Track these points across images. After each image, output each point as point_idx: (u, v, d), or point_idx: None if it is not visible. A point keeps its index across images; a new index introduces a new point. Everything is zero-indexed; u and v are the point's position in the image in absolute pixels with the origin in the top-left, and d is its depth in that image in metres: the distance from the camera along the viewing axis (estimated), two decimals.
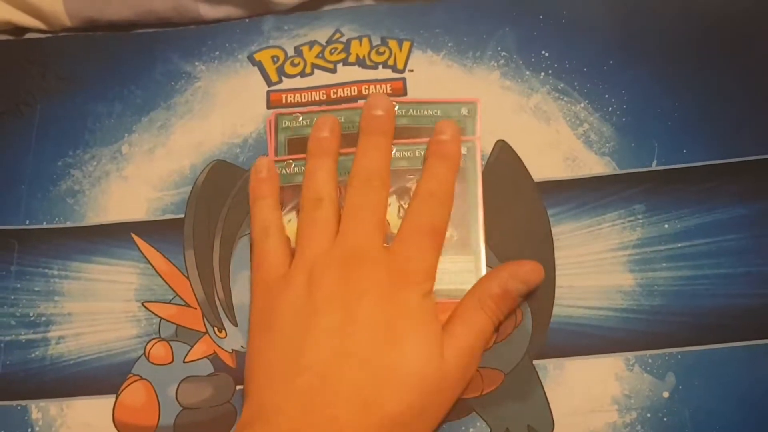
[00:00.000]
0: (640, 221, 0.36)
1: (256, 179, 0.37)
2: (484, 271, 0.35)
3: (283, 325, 0.31)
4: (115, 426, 0.34)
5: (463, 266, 0.35)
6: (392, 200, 0.37)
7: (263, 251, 0.35)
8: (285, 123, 0.40)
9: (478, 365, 0.33)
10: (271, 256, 0.34)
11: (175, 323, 0.36)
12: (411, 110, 0.39)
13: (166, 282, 0.37)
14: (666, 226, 0.36)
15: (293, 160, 0.38)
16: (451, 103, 0.40)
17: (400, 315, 0.31)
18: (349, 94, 0.41)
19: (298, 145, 0.39)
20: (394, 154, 0.37)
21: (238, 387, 0.35)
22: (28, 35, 0.46)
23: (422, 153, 0.38)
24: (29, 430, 0.35)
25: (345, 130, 0.39)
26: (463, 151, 0.37)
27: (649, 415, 0.33)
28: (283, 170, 0.38)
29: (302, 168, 0.38)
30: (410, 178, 0.37)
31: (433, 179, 0.35)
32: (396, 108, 0.39)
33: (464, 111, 0.39)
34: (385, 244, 0.34)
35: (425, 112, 0.39)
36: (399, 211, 0.36)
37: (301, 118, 0.39)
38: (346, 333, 0.30)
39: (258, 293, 0.34)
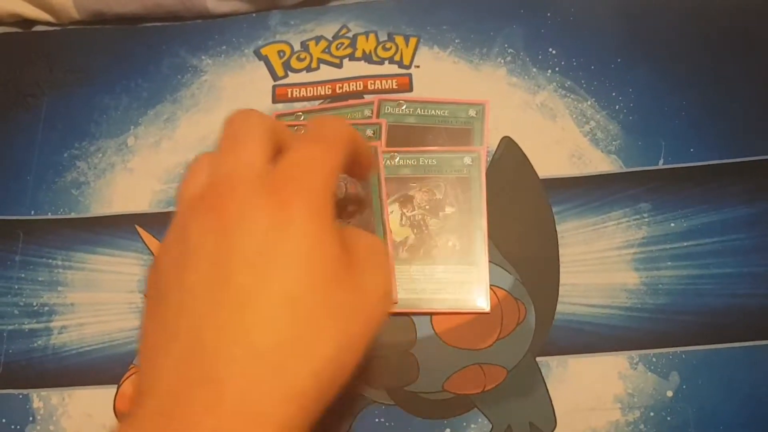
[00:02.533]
0: (646, 220, 0.36)
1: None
2: (487, 281, 0.35)
3: (157, 280, 0.26)
4: (117, 416, 0.34)
5: (466, 276, 0.35)
6: (395, 208, 0.37)
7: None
8: None
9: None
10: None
11: None
12: (418, 109, 0.39)
13: None
14: (672, 224, 0.36)
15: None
16: (459, 104, 0.39)
17: (282, 242, 0.24)
18: (355, 89, 0.41)
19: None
20: (397, 161, 0.37)
21: None
22: (37, 28, 0.46)
23: (425, 161, 0.38)
24: (30, 418, 0.35)
25: None
26: (468, 161, 0.37)
27: (652, 414, 0.32)
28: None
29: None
30: (413, 186, 0.37)
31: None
32: (404, 106, 0.39)
33: (472, 112, 0.39)
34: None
35: (433, 112, 0.39)
36: (401, 219, 0.36)
37: (303, 131, 0.39)
38: (217, 282, 0.24)
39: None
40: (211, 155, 0.27)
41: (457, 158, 0.38)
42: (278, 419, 0.22)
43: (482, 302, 0.35)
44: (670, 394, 0.33)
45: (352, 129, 0.29)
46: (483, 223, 0.36)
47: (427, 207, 0.37)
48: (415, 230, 0.36)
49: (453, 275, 0.35)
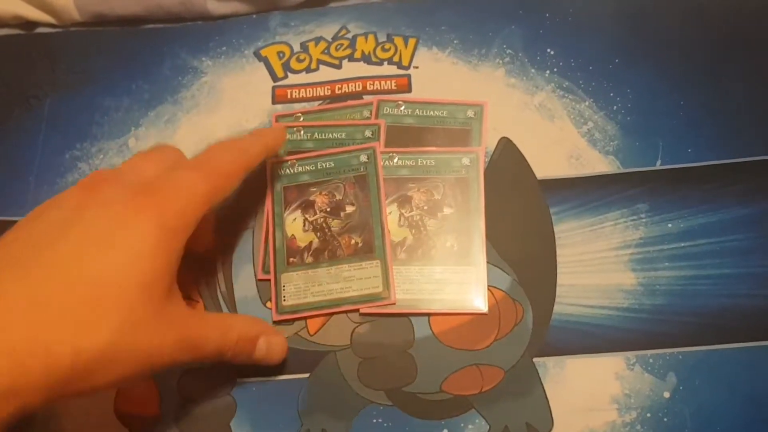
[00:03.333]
0: (643, 220, 0.36)
1: None
2: (485, 282, 0.35)
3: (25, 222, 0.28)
4: (116, 415, 0.34)
5: (464, 277, 0.35)
6: (393, 209, 0.37)
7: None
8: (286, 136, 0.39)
9: (177, 357, 0.29)
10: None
11: None
12: (417, 110, 0.39)
13: None
14: (669, 225, 0.36)
15: (297, 159, 0.38)
16: (457, 105, 0.39)
17: (118, 236, 0.27)
18: (354, 89, 0.41)
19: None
20: (396, 162, 0.38)
21: (239, 379, 0.35)
22: (38, 30, 0.46)
23: (424, 162, 0.38)
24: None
25: (344, 145, 0.39)
26: (466, 161, 0.37)
27: (649, 414, 0.32)
28: (287, 170, 0.38)
29: (306, 167, 0.38)
30: (411, 187, 0.37)
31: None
32: (402, 107, 0.39)
33: (470, 113, 0.39)
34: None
35: (431, 113, 0.39)
36: (400, 219, 0.37)
37: (303, 132, 0.39)
38: (52, 238, 0.26)
39: None
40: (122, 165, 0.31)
41: (456, 159, 0.38)
42: (29, 372, 0.23)
43: (480, 303, 0.35)
44: (667, 395, 0.33)
45: (245, 162, 0.32)
46: (481, 224, 0.36)
47: (425, 208, 0.37)
48: (413, 231, 0.36)
49: (451, 276, 0.35)
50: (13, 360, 0.23)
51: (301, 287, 0.36)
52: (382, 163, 0.37)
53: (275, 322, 0.35)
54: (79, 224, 0.26)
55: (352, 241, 0.36)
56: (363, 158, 0.38)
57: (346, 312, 0.35)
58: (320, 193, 0.37)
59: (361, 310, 0.35)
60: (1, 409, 0.23)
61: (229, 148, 0.32)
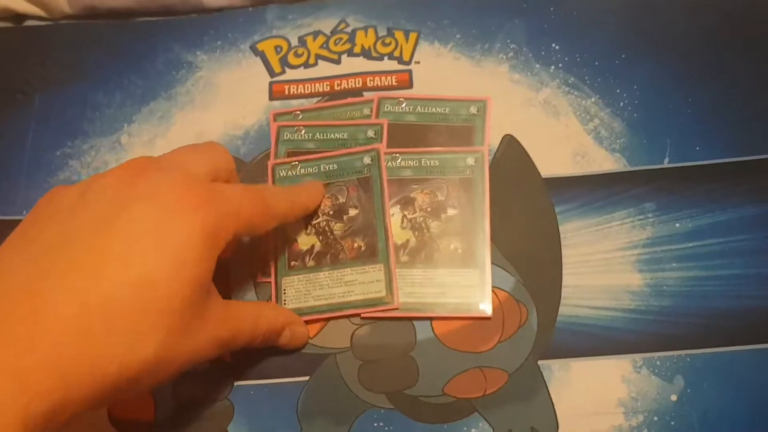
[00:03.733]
0: (651, 220, 0.36)
1: None
2: (489, 285, 0.35)
3: (46, 206, 0.27)
4: (111, 421, 0.34)
5: (468, 280, 0.35)
6: (396, 210, 0.36)
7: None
8: (286, 135, 0.39)
9: (214, 353, 0.29)
10: None
11: None
12: (419, 107, 0.39)
13: None
14: (677, 225, 0.36)
15: (299, 161, 0.38)
16: (459, 101, 0.39)
17: (166, 237, 0.26)
18: (354, 85, 0.40)
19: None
20: (399, 162, 0.37)
21: (236, 383, 0.34)
22: (28, 23, 0.45)
23: (428, 162, 0.37)
24: None
25: (346, 146, 0.38)
26: (471, 161, 0.37)
27: (656, 418, 0.32)
28: (289, 172, 0.37)
29: (309, 169, 0.37)
30: (414, 188, 0.37)
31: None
32: (404, 104, 0.39)
33: (473, 109, 0.38)
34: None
35: (433, 110, 0.39)
36: (402, 221, 0.36)
37: (303, 131, 0.39)
38: (96, 231, 0.25)
39: None
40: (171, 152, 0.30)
41: (460, 159, 0.37)
42: (73, 383, 0.23)
43: (485, 307, 0.34)
44: (674, 398, 0.32)
45: (288, 212, 0.33)
46: (486, 225, 0.36)
47: (428, 209, 0.36)
48: (416, 233, 0.36)
49: (455, 279, 0.35)
50: (60, 377, 0.23)
51: (302, 291, 0.35)
52: (385, 165, 0.37)
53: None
54: (124, 218, 0.25)
55: (355, 245, 0.35)
56: (367, 160, 0.37)
57: (347, 317, 0.35)
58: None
59: (363, 315, 0.34)
60: (48, 427, 0.22)
61: (280, 191, 0.34)
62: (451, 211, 0.36)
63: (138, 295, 0.24)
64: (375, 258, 0.35)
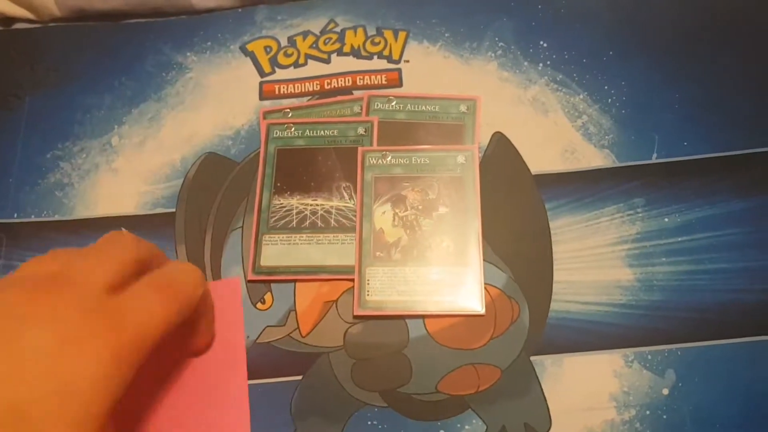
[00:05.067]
0: (640, 215, 0.36)
1: None
2: (481, 283, 0.35)
3: None
4: None
5: (460, 278, 0.35)
6: (387, 208, 0.36)
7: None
8: (276, 133, 0.39)
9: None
10: None
11: None
12: (409, 105, 0.39)
13: None
14: (666, 220, 0.36)
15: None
16: (449, 100, 0.39)
17: (67, 363, 0.23)
18: (344, 84, 0.40)
19: (287, 155, 0.38)
20: (389, 160, 0.37)
21: None
22: (17, 26, 0.45)
23: (418, 160, 0.37)
24: None
25: (336, 143, 0.38)
26: (461, 159, 0.37)
27: (648, 412, 0.32)
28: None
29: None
30: (405, 186, 0.36)
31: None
32: (393, 102, 0.39)
33: (463, 108, 0.38)
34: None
35: (423, 108, 0.39)
36: (394, 219, 0.36)
37: (293, 129, 0.38)
38: None
39: None
40: (73, 251, 0.27)
41: (450, 157, 0.37)
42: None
43: (477, 304, 0.34)
44: (666, 392, 0.32)
45: (199, 291, 0.29)
46: (477, 223, 0.36)
47: (420, 207, 0.36)
48: (408, 231, 0.36)
49: (447, 277, 0.35)
50: None
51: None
52: (375, 162, 0.37)
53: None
54: (18, 341, 0.23)
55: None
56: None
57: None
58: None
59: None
60: None
61: (188, 270, 0.30)
62: (442, 209, 0.36)
63: (9, 424, 0.22)
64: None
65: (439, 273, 0.35)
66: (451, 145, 0.38)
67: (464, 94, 0.39)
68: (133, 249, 0.28)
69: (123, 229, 0.30)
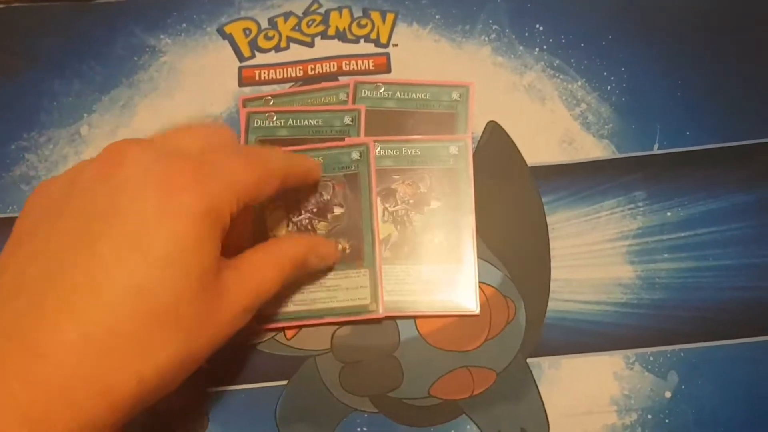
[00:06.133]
0: (641, 209, 0.35)
1: None
2: (476, 281, 0.34)
3: (30, 213, 0.26)
4: None
5: (453, 276, 0.34)
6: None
7: None
8: (257, 122, 0.37)
9: (245, 320, 0.28)
10: None
11: None
12: (398, 92, 0.37)
13: None
14: (668, 214, 0.35)
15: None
16: (441, 86, 0.37)
17: (159, 230, 0.24)
18: (328, 70, 0.39)
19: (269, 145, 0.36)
20: (378, 152, 0.35)
21: (209, 389, 0.33)
22: None
23: (408, 151, 0.35)
24: None
25: (321, 133, 0.36)
26: (454, 150, 0.36)
27: (650, 416, 0.31)
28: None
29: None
30: (396, 179, 0.35)
31: None
32: (382, 89, 0.37)
33: (455, 95, 0.37)
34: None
35: (413, 95, 0.37)
36: (383, 214, 0.35)
37: (275, 118, 0.37)
38: (81, 240, 0.24)
39: None
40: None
41: (443, 147, 0.36)
42: (88, 412, 0.22)
43: (471, 304, 0.33)
44: (668, 394, 0.32)
45: (288, 170, 0.30)
46: (471, 218, 0.35)
47: (410, 201, 0.35)
48: (398, 227, 0.35)
49: (439, 275, 0.34)
50: (70, 407, 0.22)
51: (280, 295, 0.33)
52: (375, 162, 0.35)
53: None
54: (111, 219, 0.23)
55: (339, 247, 0.34)
56: (355, 155, 0.35)
57: (328, 324, 0.33)
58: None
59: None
60: None
61: (275, 150, 0.31)
62: (434, 204, 0.35)
63: (138, 305, 0.23)
64: (360, 262, 0.34)
65: (432, 271, 0.34)
66: (443, 135, 0.36)
67: (456, 81, 0.38)
68: (229, 133, 0.29)
69: None
